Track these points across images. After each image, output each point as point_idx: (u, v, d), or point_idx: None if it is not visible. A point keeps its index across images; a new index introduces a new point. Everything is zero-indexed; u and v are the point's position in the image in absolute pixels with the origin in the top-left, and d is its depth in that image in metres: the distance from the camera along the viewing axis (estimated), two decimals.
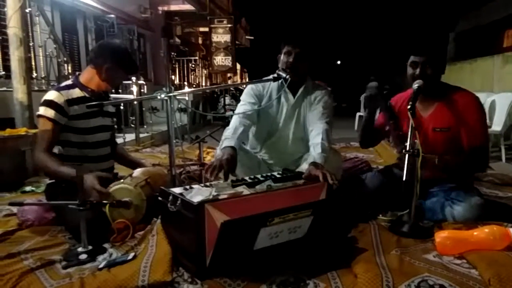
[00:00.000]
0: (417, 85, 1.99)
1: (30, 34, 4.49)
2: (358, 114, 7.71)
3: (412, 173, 1.82)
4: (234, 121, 2.17)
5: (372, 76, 2.19)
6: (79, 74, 2.17)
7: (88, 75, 2.12)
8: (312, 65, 2.26)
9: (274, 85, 2.31)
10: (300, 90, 2.27)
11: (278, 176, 1.89)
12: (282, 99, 2.28)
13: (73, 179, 1.85)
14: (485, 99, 4.65)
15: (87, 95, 2.10)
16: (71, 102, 2.03)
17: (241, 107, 2.27)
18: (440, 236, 1.67)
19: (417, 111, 2.11)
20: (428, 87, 2.01)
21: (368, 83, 2.13)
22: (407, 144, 1.84)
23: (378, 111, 2.29)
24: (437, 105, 2.10)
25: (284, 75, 2.07)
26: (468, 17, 13.11)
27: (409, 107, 1.86)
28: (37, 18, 4.64)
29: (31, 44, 4.38)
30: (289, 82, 2.11)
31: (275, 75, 2.11)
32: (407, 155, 1.82)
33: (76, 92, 2.07)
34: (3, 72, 4.21)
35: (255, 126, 2.33)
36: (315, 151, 2.00)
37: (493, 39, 11.91)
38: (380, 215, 2.11)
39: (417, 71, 2.03)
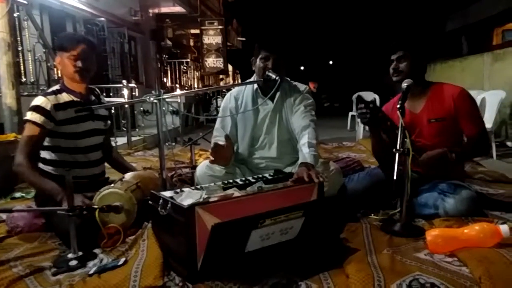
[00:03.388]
0: (406, 84, 2.04)
1: (19, 38, 4.45)
2: (350, 113, 7.73)
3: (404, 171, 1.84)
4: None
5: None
6: (64, 80, 2.15)
7: (64, 79, 2.11)
8: (287, 69, 2.26)
9: (248, 93, 2.30)
10: (278, 94, 2.26)
11: (269, 177, 1.89)
12: (260, 105, 2.27)
13: (50, 194, 1.85)
14: (475, 96, 4.65)
15: (75, 98, 2.08)
16: (58, 107, 2.00)
17: (219, 131, 2.32)
18: (431, 234, 1.67)
19: (407, 110, 2.14)
20: (413, 83, 2.06)
21: (357, 107, 2.10)
22: (398, 143, 1.85)
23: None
24: (427, 99, 2.18)
25: (274, 76, 2.07)
26: (458, 16, 13.24)
27: (398, 106, 1.88)
28: (25, 22, 4.60)
29: (19, 48, 4.35)
30: (262, 88, 2.22)
31: (265, 77, 2.11)
32: (397, 154, 1.82)
33: (64, 97, 2.05)
34: None
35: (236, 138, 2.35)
36: (303, 151, 2.01)
37: (483, 37, 12.03)
38: (372, 214, 2.12)
39: (392, 66, 2.16)
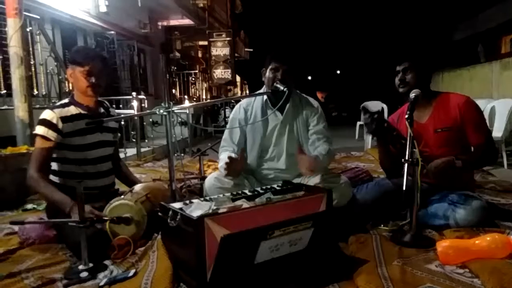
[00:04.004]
0: (414, 94, 2.04)
1: (31, 52, 4.54)
2: (358, 123, 7.71)
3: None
4: (224, 154, 2.29)
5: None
6: (74, 93, 2.19)
7: (75, 92, 2.15)
8: (298, 80, 2.29)
9: (258, 104, 2.33)
10: (288, 105, 2.28)
11: (277, 188, 1.89)
12: (269, 117, 2.29)
13: (59, 205, 1.89)
14: (484, 105, 4.66)
15: (82, 111, 2.11)
16: (65, 119, 2.04)
17: (227, 142, 2.36)
18: (442, 245, 1.66)
19: (414, 120, 2.14)
20: (421, 94, 2.06)
21: (363, 117, 2.14)
22: (406, 153, 1.85)
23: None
24: (433, 109, 2.18)
25: (282, 87, 2.09)
26: (466, 25, 13.21)
27: (406, 116, 1.88)
28: (37, 36, 4.70)
29: (32, 62, 4.42)
30: (272, 99, 2.26)
31: (273, 88, 2.13)
32: (406, 165, 1.82)
33: (71, 110, 2.09)
34: (5, 91, 4.25)
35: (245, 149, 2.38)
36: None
37: (491, 46, 11.98)
38: (382, 225, 2.11)
39: (398, 77, 2.16)
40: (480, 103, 2.30)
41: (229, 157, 2.08)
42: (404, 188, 1.79)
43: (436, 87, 2.28)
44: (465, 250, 1.62)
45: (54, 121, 2.01)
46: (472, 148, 2.15)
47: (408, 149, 1.85)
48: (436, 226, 2.03)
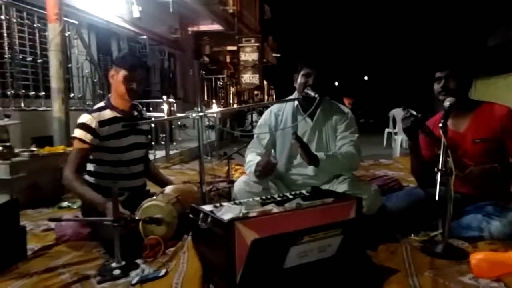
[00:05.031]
0: (448, 102, 2.00)
1: (69, 56, 4.72)
2: (386, 130, 7.58)
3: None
4: (251, 155, 2.29)
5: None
6: (110, 96, 2.27)
7: (112, 94, 2.22)
8: (329, 86, 2.28)
9: (289, 110, 2.34)
10: (318, 112, 2.28)
11: (307, 194, 1.90)
12: (300, 122, 2.30)
13: (93, 203, 1.97)
14: None
15: (118, 115, 2.18)
16: (102, 123, 2.12)
17: (255, 144, 2.38)
18: (476, 258, 1.62)
19: (450, 129, 2.10)
20: (455, 102, 2.01)
21: (403, 113, 2.11)
22: (440, 162, 1.81)
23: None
24: (471, 118, 2.13)
25: (313, 94, 2.09)
26: (501, 31, 12.79)
27: (440, 125, 1.84)
28: (75, 40, 4.89)
29: (69, 65, 4.60)
30: (303, 105, 2.25)
31: (303, 94, 2.14)
32: (439, 174, 1.79)
33: (107, 113, 2.16)
34: (43, 93, 4.43)
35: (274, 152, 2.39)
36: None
37: None
38: (412, 235, 2.07)
39: (440, 85, 2.10)
40: None
41: (267, 161, 2.10)
42: (436, 198, 1.76)
43: (470, 96, 2.22)
44: (500, 264, 1.58)
45: (93, 125, 2.09)
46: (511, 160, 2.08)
47: (442, 158, 1.81)
48: (469, 237, 1.97)
